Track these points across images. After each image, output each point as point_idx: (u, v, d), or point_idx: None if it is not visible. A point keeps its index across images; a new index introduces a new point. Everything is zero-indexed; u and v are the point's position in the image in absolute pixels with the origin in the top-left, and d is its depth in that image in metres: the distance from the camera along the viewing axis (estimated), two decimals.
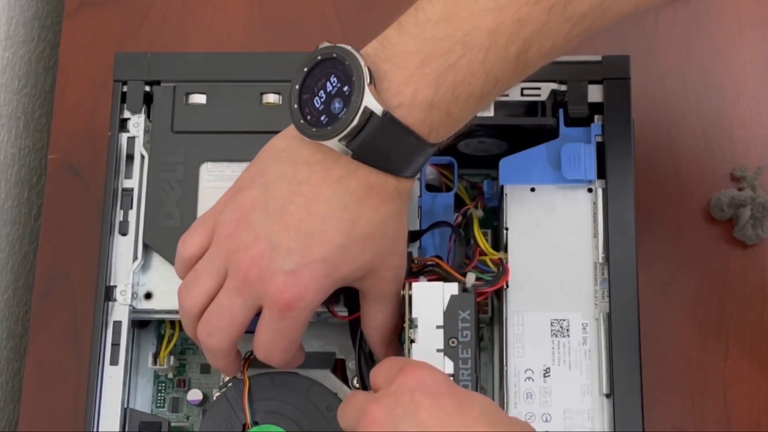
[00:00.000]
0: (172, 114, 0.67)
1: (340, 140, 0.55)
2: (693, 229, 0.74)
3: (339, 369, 0.67)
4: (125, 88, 0.68)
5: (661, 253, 0.73)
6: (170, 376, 0.70)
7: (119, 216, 0.66)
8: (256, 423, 0.63)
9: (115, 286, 0.64)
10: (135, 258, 0.65)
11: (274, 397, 0.63)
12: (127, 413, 0.64)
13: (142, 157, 0.67)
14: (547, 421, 0.62)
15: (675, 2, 0.79)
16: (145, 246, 0.65)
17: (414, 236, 0.66)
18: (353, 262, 0.57)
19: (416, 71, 0.54)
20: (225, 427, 0.63)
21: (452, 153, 0.69)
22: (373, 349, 0.63)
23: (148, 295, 0.65)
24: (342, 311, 0.64)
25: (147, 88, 0.68)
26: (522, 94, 0.66)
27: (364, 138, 0.54)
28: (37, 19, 0.86)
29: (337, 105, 0.55)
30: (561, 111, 0.67)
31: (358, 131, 0.54)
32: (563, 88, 0.66)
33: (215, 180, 0.66)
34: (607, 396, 0.62)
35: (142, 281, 0.65)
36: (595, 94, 0.66)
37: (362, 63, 0.54)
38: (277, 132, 0.66)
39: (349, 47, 0.55)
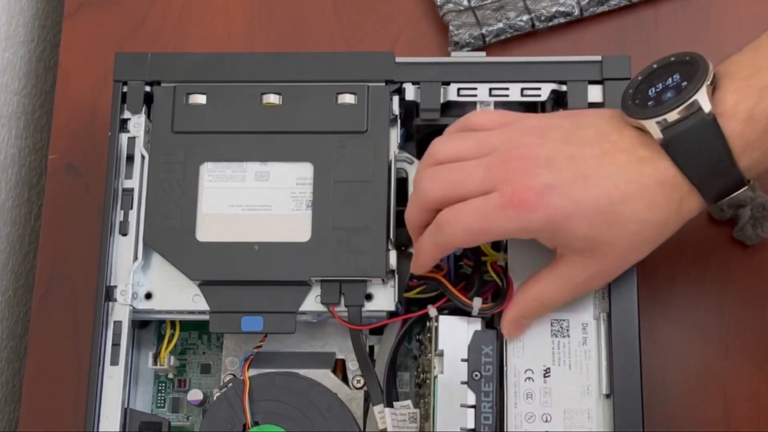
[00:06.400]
0: (172, 114, 0.67)
1: (657, 122, 0.56)
2: (693, 229, 0.73)
3: (339, 369, 0.67)
4: (125, 89, 0.68)
5: (661, 253, 0.73)
6: (170, 376, 0.70)
7: (119, 216, 0.66)
8: (256, 423, 0.63)
9: (116, 286, 0.65)
10: (135, 258, 0.65)
11: (274, 398, 0.63)
12: (127, 413, 0.64)
13: (142, 157, 0.67)
14: (547, 421, 0.62)
15: (675, 2, 0.79)
16: (145, 246, 0.65)
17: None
18: (592, 228, 0.57)
19: (743, 82, 0.56)
20: (225, 427, 0.63)
21: None
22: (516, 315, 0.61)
23: (148, 295, 0.65)
24: (342, 312, 0.64)
25: (147, 89, 0.68)
26: (522, 94, 0.67)
27: (682, 130, 0.56)
28: (37, 19, 0.86)
29: (669, 95, 0.57)
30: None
31: (679, 121, 0.56)
32: (563, 88, 0.66)
33: (215, 180, 0.66)
34: (607, 396, 0.62)
35: (142, 281, 0.65)
36: (595, 94, 0.66)
37: (711, 66, 0.56)
38: (277, 132, 0.66)
39: (701, 55, 0.58)
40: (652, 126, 0.56)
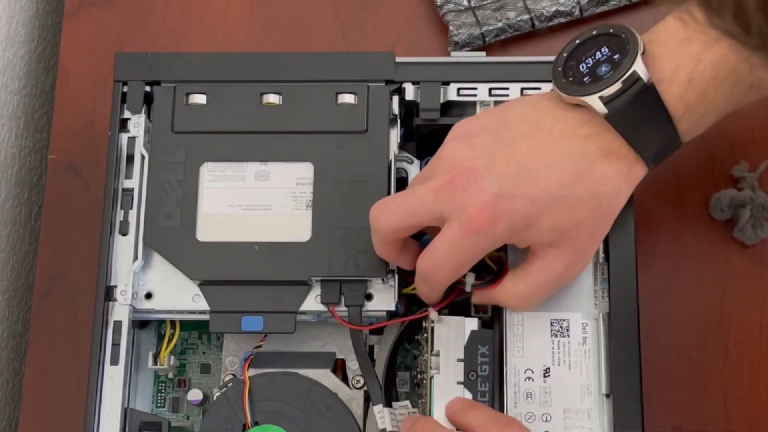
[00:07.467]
0: (172, 114, 0.67)
1: (600, 97, 0.56)
2: (693, 229, 0.74)
3: (339, 369, 0.67)
4: (125, 89, 0.68)
5: (661, 253, 0.73)
6: (170, 376, 0.70)
7: (119, 216, 0.66)
8: (256, 423, 0.63)
9: (116, 286, 0.65)
10: (135, 258, 0.65)
11: (274, 397, 0.63)
12: (127, 413, 0.64)
13: (143, 157, 0.67)
14: (547, 421, 0.62)
15: (675, 2, 0.79)
16: (145, 246, 0.65)
17: (414, 238, 0.66)
18: (555, 217, 0.57)
19: (680, 47, 0.57)
20: (225, 427, 0.63)
21: None
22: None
23: (148, 295, 0.65)
24: (342, 312, 0.64)
25: (147, 89, 0.68)
26: (522, 94, 0.66)
27: (624, 101, 0.56)
28: (37, 19, 0.86)
29: (603, 69, 0.58)
30: None
31: (620, 93, 0.56)
32: None
33: (215, 180, 0.66)
34: (607, 396, 0.62)
35: (142, 281, 0.65)
36: None
37: (639, 36, 0.58)
38: (276, 132, 0.66)
39: (626, 26, 0.58)
40: (594, 101, 0.57)
